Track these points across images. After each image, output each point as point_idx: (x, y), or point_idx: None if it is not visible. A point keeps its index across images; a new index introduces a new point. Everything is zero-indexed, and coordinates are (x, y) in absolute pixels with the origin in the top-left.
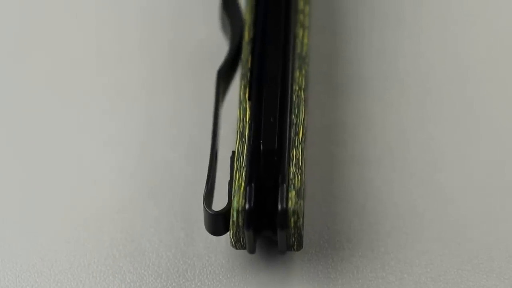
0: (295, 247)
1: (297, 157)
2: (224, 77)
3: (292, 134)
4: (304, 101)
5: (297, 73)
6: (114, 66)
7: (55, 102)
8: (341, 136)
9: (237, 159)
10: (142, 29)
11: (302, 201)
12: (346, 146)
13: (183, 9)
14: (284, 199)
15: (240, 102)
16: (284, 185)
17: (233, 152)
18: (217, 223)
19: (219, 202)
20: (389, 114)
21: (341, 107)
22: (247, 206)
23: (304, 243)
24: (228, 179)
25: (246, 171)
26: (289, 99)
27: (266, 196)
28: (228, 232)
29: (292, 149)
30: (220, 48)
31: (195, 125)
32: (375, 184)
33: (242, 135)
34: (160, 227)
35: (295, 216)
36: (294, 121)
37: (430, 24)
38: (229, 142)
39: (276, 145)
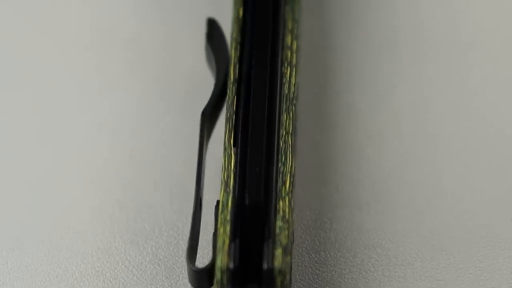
0: None
1: (283, 209)
2: (209, 117)
3: (279, 184)
4: (291, 146)
5: (284, 117)
6: (96, 102)
7: (35, 139)
8: (331, 176)
9: (222, 212)
10: (125, 62)
11: (289, 257)
12: (336, 187)
13: (169, 41)
14: (270, 258)
15: (225, 148)
16: (270, 242)
17: (218, 202)
18: (201, 279)
19: (205, 249)
20: (381, 151)
21: (330, 144)
22: (231, 266)
23: None
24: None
25: (230, 226)
26: (275, 145)
27: (251, 251)
28: None
29: (279, 200)
30: (207, 81)
31: (181, 164)
32: (366, 228)
33: (226, 184)
34: (143, 276)
35: (282, 276)
36: (281, 170)
37: (426, 55)
38: (216, 181)
39: (261, 197)
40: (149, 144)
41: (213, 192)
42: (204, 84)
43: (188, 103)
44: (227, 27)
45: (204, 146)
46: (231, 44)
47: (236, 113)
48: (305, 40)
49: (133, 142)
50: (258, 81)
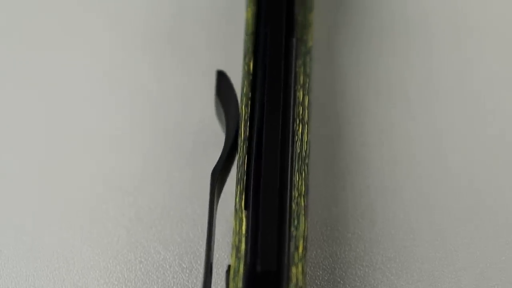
0: None
1: (297, 276)
2: (220, 176)
3: (292, 250)
4: (304, 209)
5: (296, 177)
6: (103, 155)
7: (39, 195)
8: (344, 235)
9: (233, 278)
10: (133, 113)
11: None
12: (350, 246)
13: (179, 92)
14: None
15: (236, 211)
16: None
17: (229, 267)
18: None
19: None
20: (395, 208)
21: (343, 200)
22: None
23: None
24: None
25: None
26: (288, 208)
27: None
28: None
29: (292, 267)
30: (217, 135)
31: (190, 222)
32: None
33: (238, 250)
34: None
35: None
36: (294, 234)
37: (438, 105)
38: (227, 239)
39: (274, 265)
40: (157, 202)
41: (223, 250)
42: (214, 138)
43: (198, 158)
44: (239, 79)
45: (215, 206)
46: (242, 99)
47: (247, 173)
48: (315, 91)
49: (140, 199)
50: (270, 139)
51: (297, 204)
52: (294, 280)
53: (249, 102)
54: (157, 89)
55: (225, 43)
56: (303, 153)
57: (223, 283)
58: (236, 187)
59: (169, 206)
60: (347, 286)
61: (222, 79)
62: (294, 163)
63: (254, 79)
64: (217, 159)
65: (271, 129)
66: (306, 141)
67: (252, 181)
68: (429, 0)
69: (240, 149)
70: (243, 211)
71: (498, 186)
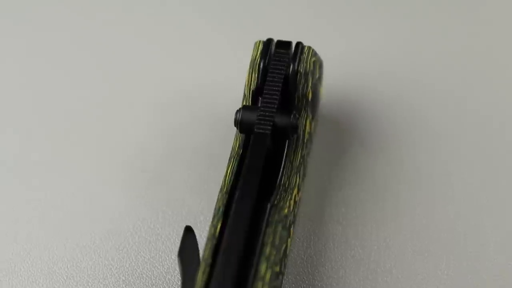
0: None
1: None
2: None
3: None
4: None
5: None
6: None
7: None
8: None
9: None
10: (94, 256)
11: None
12: None
13: (151, 240)
14: None
15: None
16: None
17: None
18: None
19: None
20: None
21: None
22: None
23: None
24: None
25: None
26: None
27: None
28: None
29: None
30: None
31: None
32: None
33: None
34: None
35: None
36: None
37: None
38: None
39: None
40: None
41: None
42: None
43: None
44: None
45: None
46: (201, 264)
47: None
48: (295, 255)
49: None
50: None
51: None
52: None
53: (208, 269)
54: (129, 232)
55: (206, 189)
56: None
57: None
58: None
59: None
60: None
61: (188, 237)
62: None
63: (219, 244)
64: None
65: None
66: None
67: None
68: (407, 172)
69: None
70: None
71: None
